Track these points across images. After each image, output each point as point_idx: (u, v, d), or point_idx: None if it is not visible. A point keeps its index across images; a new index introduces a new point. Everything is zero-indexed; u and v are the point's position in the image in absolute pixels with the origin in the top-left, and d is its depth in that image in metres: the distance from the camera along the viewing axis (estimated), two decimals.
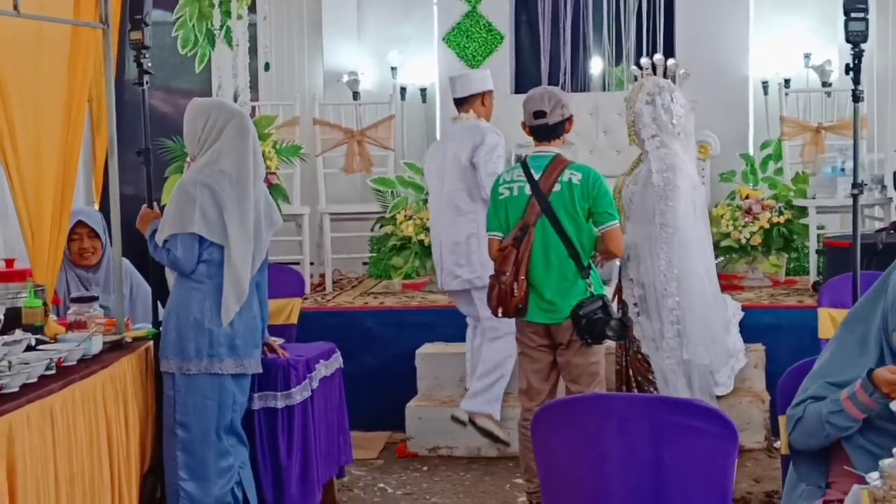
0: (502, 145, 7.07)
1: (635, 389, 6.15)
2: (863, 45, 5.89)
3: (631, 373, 6.17)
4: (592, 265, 5.76)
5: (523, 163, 5.84)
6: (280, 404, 5.82)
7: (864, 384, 3.50)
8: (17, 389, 4.62)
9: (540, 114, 5.82)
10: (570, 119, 5.93)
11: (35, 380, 4.75)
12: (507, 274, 5.71)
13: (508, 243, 5.74)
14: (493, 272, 5.87)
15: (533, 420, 3.90)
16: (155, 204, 5.90)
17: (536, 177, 5.73)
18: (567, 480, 3.65)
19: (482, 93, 6.96)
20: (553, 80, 10.22)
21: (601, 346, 5.80)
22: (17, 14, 4.96)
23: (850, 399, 3.54)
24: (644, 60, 7.09)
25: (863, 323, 3.69)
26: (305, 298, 7.70)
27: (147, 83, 6.20)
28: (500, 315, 5.88)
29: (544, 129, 5.84)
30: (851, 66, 5.92)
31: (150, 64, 6.22)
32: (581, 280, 5.69)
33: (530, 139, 6.01)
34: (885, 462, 3.08)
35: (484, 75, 7.26)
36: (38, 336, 5.14)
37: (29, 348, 4.92)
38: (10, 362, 4.67)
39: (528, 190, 5.74)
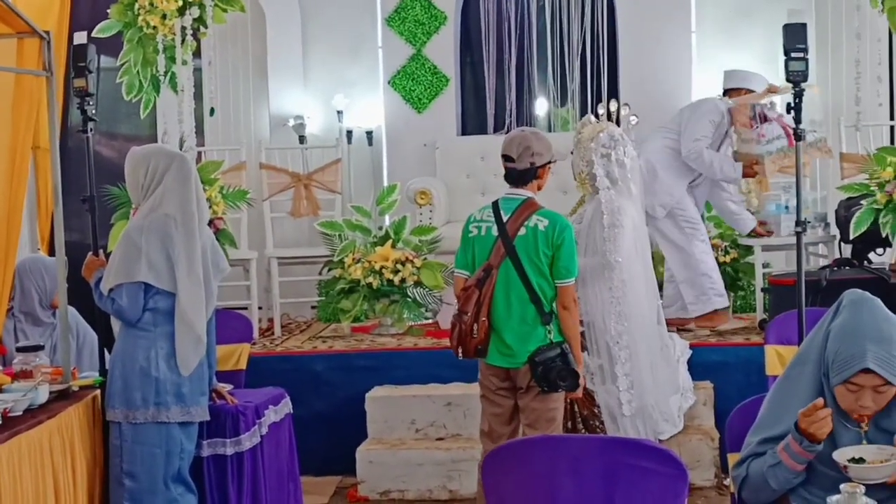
0: None
1: (580, 424, 6.16)
2: (803, 85, 5.96)
3: (576, 408, 6.16)
4: (554, 311, 5.74)
5: (494, 204, 5.84)
6: (229, 451, 5.81)
7: (793, 435, 3.55)
8: None
9: (508, 158, 5.82)
10: (543, 166, 5.84)
11: None
12: (469, 314, 5.71)
13: (472, 283, 5.75)
14: (456, 313, 5.87)
15: (484, 462, 3.91)
16: (101, 251, 5.88)
17: (505, 218, 5.74)
18: None
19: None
20: (499, 121, 10.29)
21: (560, 393, 5.78)
22: None
23: (786, 451, 3.58)
24: (601, 109, 7.14)
25: (804, 368, 3.73)
26: (254, 343, 7.66)
27: (91, 130, 6.19)
28: (460, 355, 5.86)
29: (513, 174, 5.83)
30: (793, 105, 5.98)
31: (94, 111, 6.21)
32: (541, 326, 5.69)
33: None
34: (833, 499, 3.11)
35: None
36: None
37: None
38: None
39: (495, 231, 5.75)
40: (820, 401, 3.55)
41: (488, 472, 3.79)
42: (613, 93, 9.58)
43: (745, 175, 7.98)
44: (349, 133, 9.97)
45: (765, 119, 7.72)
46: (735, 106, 7.91)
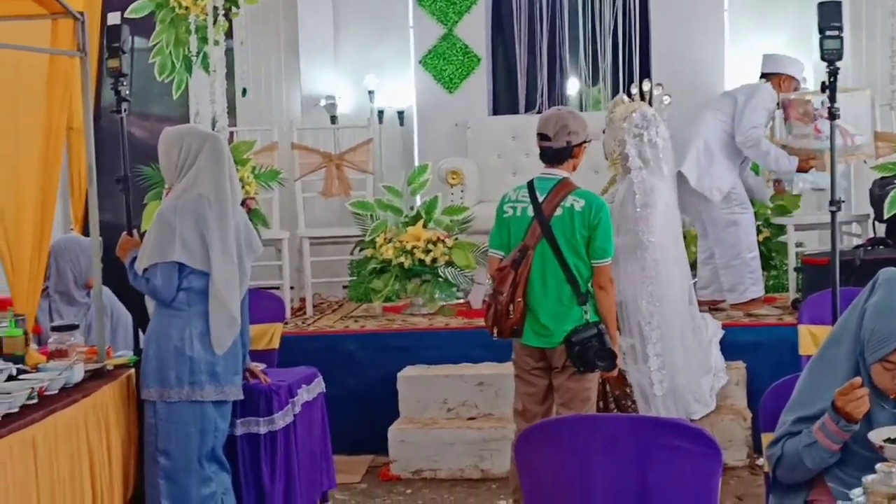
0: None
1: (612, 404, 6.15)
2: (838, 63, 5.93)
3: (608, 387, 6.16)
4: (590, 291, 5.75)
5: (529, 184, 5.83)
6: (263, 430, 5.83)
7: (830, 414, 3.54)
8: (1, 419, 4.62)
9: (544, 137, 5.80)
10: (579, 145, 5.82)
11: (17, 410, 4.74)
12: (504, 294, 5.71)
13: (507, 264, 5.74)
14: (490, 292, 5.88)
15: (518, 441, 3.91)
16: (135, 231, 5.91)
17: (541, 199, 5.73)
18: (552, 501, 3.65)
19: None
20: (530, 101, 10.27)
21: (595, 373, 5.79)
22: None
23: (822, 430, 3.57)
24: (634, 89, 7.11)
25: (839, 348, 3.72)
26: (286, 323, 7.70)
27: (125, 111, 6.21)
28: (495, 335, 5.87)
29: (548, 153, 5.81)
30: (827, 83, 5.95)
31: (128, 91, 6.23)
32: (577, 306, 5.69)
33: None
34: (868, 478, 3.10)
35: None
36: (18, 366, 5.13)
37: (10, 378, 4.92)
38: None
39: (530, 211, 5.74)
40: (858, 380, 3.54)
41: (522, 451, 3.79)
42: (646, 72, 9.54)
43: (799, 169, 7.93)
44: (380, 113, 9.98)
45: (820, 117, 7.62)
46: (790, 99, 7.86)
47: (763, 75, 8.17)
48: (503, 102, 10.35)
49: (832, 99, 5.94)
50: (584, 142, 5.90)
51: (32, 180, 5.59)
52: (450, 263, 8.63)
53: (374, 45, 10.02)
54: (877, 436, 3.44)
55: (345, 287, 9.19)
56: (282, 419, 5.91)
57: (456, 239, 8.66)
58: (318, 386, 6.44)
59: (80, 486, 5.14)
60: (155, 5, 8.84)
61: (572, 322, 5.70)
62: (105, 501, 5.35)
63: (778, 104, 7.93)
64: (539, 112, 9.25)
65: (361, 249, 8.89)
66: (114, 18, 6.99)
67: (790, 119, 7.85)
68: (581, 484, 3.55)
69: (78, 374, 5.32)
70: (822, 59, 5.93)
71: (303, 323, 8.47)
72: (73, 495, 5.06)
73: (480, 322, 6.34)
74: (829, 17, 5.88)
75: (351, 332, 8.13)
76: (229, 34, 9.05)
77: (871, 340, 3.57)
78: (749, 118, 7.86)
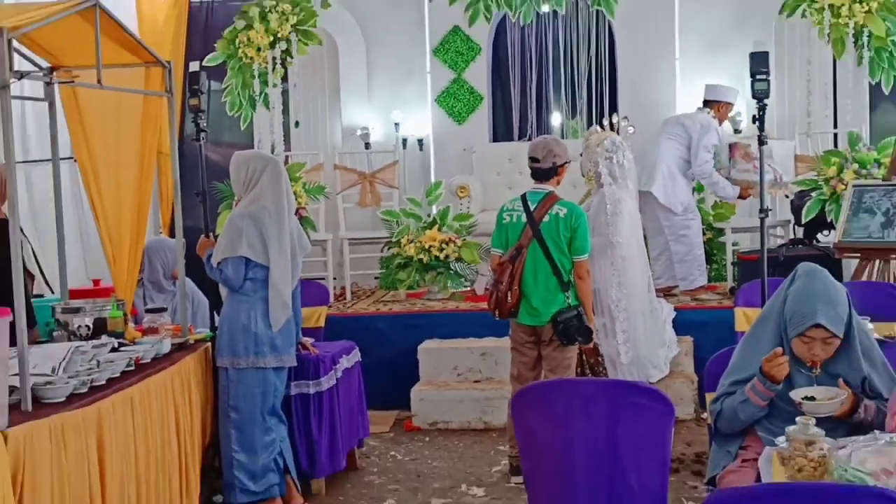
0: None
1: (588, 370, 6.16)
2: (765, 101, 5.92)
3: (585, 357, 6.16)
4: (571, 281, 5.75)
5: (523, 196, 5.86)
6: (312, 391, 5.87)
7: (758, 377, 3.56)
8: (104, 382, 4.64)
9: (534, 159, 5.86)
10: (562, 165, 5.87)
11: (118, 374, 4.78)
12: (504, 284, 5.76)
13: (506, 259, 5.79)
14: (492, 282, 5.92)
15: (514, 400, 3.92)
16: (211, 234, 5.92)
17: (532, 208, 5.77)
18: (541, 447, 3.66)
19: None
20: (522, 131, 10.25)
21: (575, 346, 5.81)
22: (100, 86, 4.99)
23: (752, 390, 3.59)
24: (605, 121, 7.14)
25: (766, 326, 3.73)
26: (330, 306, 7.69)
27: (203, 139, 6.22)
28: (496, 316, 5.90)
29: (538, 172, 5.87)
30: (757, 117, 5.94)
31: (205, 124, 6.23)
32: (561, 293, 5.72)
33: None
34: (790, 428, 3.11)
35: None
36: (119, 340, 5.16)
37: (113, 349, 4.94)
38: (98, 361, 4.71)
39: (524, 218, 5.77)
40: (779, 349, 3.56)
41: (517, 408, 3.80)
42: (614, 107, 9.53)
43: (740, 196, 7.99)
44: (404, 140, 9.97)
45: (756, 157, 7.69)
46: (736, 143, 7.92)
47: (706, 102, 8.16)
48: (501, 132, 10.34)
49: (761, 129, 5.92)
50: (566, 163, 5.93)
51: (130, 193, 5.61)
52: (459, 259, 8.63)
53: (399, 87, 10.01)
54: (796, 394, 3.45)
55: (376, 278, 9.18)
56: (327, 382, 5.94)
57: (464, 240, 8.65)
58: (355, 356, 6.47)
59: (168, 435, 5.16)
60: (226, 56, 8.88)
61: (557, 305, 5.72)
62: (188, 448, 5.37)
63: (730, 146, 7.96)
64: (529, 139, 9.24)
65: (389, 248, 8.89)
66: (194, 66, 6.97)
67: (734, 157, 7.87)
68: (564, 433, 3.57)
69: (166, 346, 5.35)
70: (753, 97, 5.92)
71: (343, 306, 8.47)
72: (162, 443, 5.08)
73: (484, 305, 6.33)
74: (759, 63, 5.88)
75: (381, 314, 8.13)
76: (285, 78, 9.10)
77: (792, 320, 3.59)
78: (702, 156, 7.90)
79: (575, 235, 5.74)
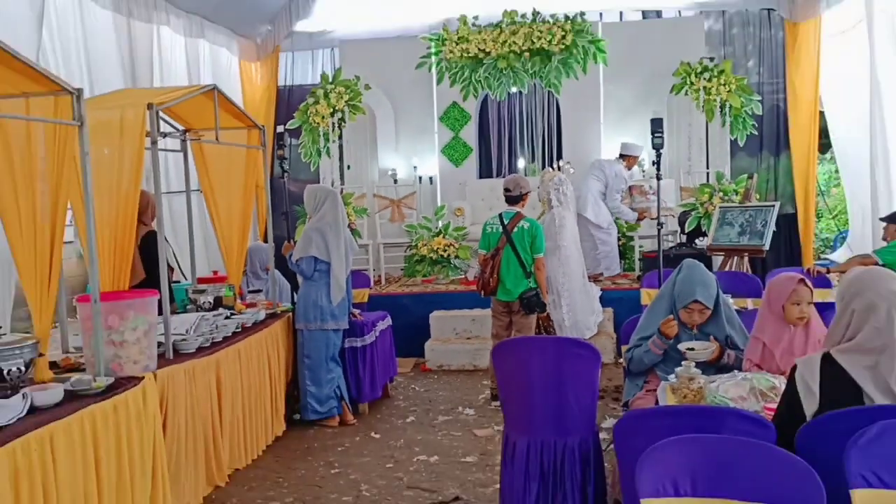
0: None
1: (543, 330, 6.16)
2: (661, 150, 5.93)
3: (541, 322, 6.16)
4: (532, 271, 5.76)
5: (500, 215, 5.87)
6: (358, 344, 5.86)
7: (657, 335, 3.56)
8: (221, 340, 4.64)
9: (507, 190, 5.88)
10: (526, 194, 5.91)
11: (230, 334, 4.78)
12: (487, 273, 5.78)
13: (489, 257, 5.81)
14: (479, 272, 5.91)
15: (494, 351, 3.90)
16: (291, 240, 5.93)
17: (506, 223, 5.78)
18: (511, 381, 3.66)
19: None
20: (498, 171, 10.23)
21: (534, 314, 5.81)
22: (217, 142, 5.00)
23: (653, 344, 3.60)
24: (554, 164, 7.14)
25: (662, 300, 3.74)
26: (371, 288, 7.70)
27: (285, 178, 6.23)
28: (482, 294, 5.90)
29: (510, 198, 5.89)
30: (655, 161, 5.95)
31: (287, 167, 6.25)
32: (525, 279, 5.73)
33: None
34: (678, 369, 3.11)
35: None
36: (231, 311, 5.17)
37: (226, 318, 4.96)
38: (217, 325, 4.71)
39: (500, 230, 5.79)
40: (671, 317, 3.56)
41: (496, 356, 3.79)
42: (560, 154, 9.52)
43: (639, 218, 8.09)
44: (420, 178, 9.97)
45: (647, 193, 7.95)
46: (636, 184, 8.03)
47: (621, 155, 8.16)
48: (484, 171, 10.32)
49: (658, 169, 5.93)
50: (528, 192, 5.94)
51: (238, 213, 5.62)
52: (457, 257, 8.64)
53: (416, 142, 9.98)
54: (682, 346, 3.45)
55: (401, 269, 9.18)
56: (369, 339, 5.94)
57: (460, 244, 8.67)
58: (388, 321, 6.46)
59: (263, 374, 5.17)
60: (301, 121, 8.88)
61: (523, 287, 5.73)
62: (276, 383, 5.39)
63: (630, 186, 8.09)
64: (503, 177, 9.24)
65: (410, 249, 8.90)
66: (280, 129, 7.00)
67: (633, 193, 7.98)
68: (527, 372, 3.56)
69: (262, 315, 5.36)
70: (653, 147, 5.93)
71: (380, 288, 8.45)
72: (259, 379, 5.09)
73: (473, 288, 6.33)
74: (657, 126, 5.88)
75: (405, 294, 8.12)
76: (340, 136, 9.09)
77: (679, 296, 3.59)
78: (613, 197, 7.96)
79: (534, 241, 5.74)
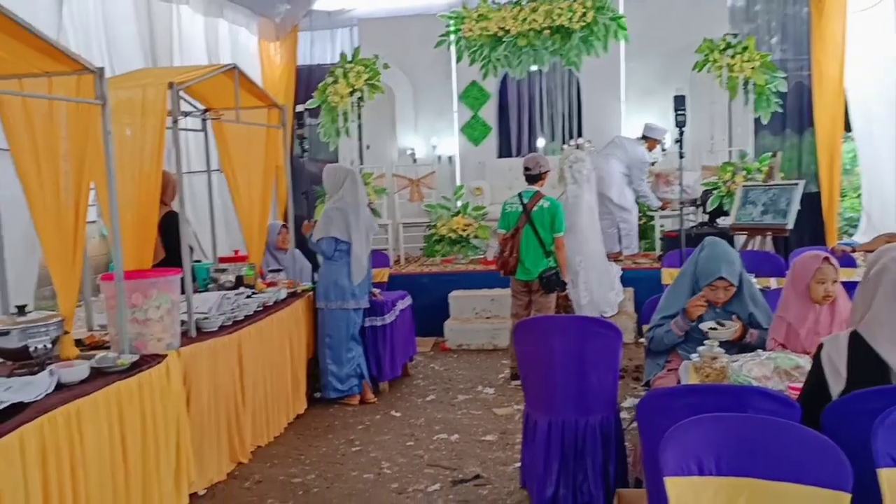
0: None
1: (562, 309, 6.16)
2: (684, 128, 5.87)
3: (559, 301, 6.14)
4: (552, 250, 5.73)
5: (519, 194, 5.83)
6: (378, 323, 5.88)
7: (681, 315, 3.53)
8: (242, 318, 4.67)
9: (527, 169, 5.83)
10: (545, 173, 5.86)
11: (251, 313, 4.81)
12: (507, 252, 5.75)
13: (508, 236, 5.77)
14: (498, 252, 5.88)
15: (514, 330, 3.90)
16: (311, 220, 5.94)
17: (525, 202, 5.74)
18: (532, 360, 3.66)
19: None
20: (519, 150, 10.20)
21: (554, 293, 5.79)
22: (238, 122, 5.00)
23: (675, 324, 3.57)
24: (574, 141, 7.07)
25: (684, 279, 3.71)
26: (390, 268, 7.71)
27: (305, 157, 6.23)
28: (502, 274, 5.88)
29: (530, 177, 5.84)
30: (678, 139, 5.89)
31: (307, 147, 6.24)
32: (544, 259, 5.70)
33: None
34: (701, 348, 3.09)
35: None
36: (252, 290, 5.20)
37: (248, 297, 4.98)
38: (238, 303, 4.73)
39: (520, 209, 5.74)
40: (700, 299, 3.54)
41: (517, 335, 3.79)
42: (580, 132, 9.46)
43: (661, 208, 8.08)
44: (439, 157, 9.95)
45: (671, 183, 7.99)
46: (660, 173, 8.03)
47: (643, 136, 8.09)
48: (503, 150, 10.29)
49: (681, 147, 5.88)
50: (547, 171, 5.90)
51: (258, 193, 5.63)
52: (476, 236, 8.63)
53: (435, 121, 9.97)
54: (704, 326, 3.43)
55: (421, 248, 9.19)
56: (389, 318, 5.96)
57: (479, 224, 8.65)
58: (408, 301, 6.48)
59: (284, 355, 5.21)
60: (321, 101, 8.86)
61: (542, 266, 5.70)
62: (297, 361, 5.42)
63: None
64: (522, 156, 9.20)
65: (430, 228, 8.90)
66: (300, 108, 6.99)
67: (659, 184, 7.98)
68: (548, 351, 3.57)
69: (283, 294, 5.39)
70: (676, 125, 5.87)
71: (399, 268, 8.47)
72: (280, 357, 5.13)
73: (492, 268, 6.33)
74: (680, 103, 5.83)
75: (424, 273, 8.13)
76: (359, 116, 9.06)
77: (703, 274, 3.56)
78: (639, 181, 7.91)
79: (554, 220, 5.71)
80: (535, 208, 5.72)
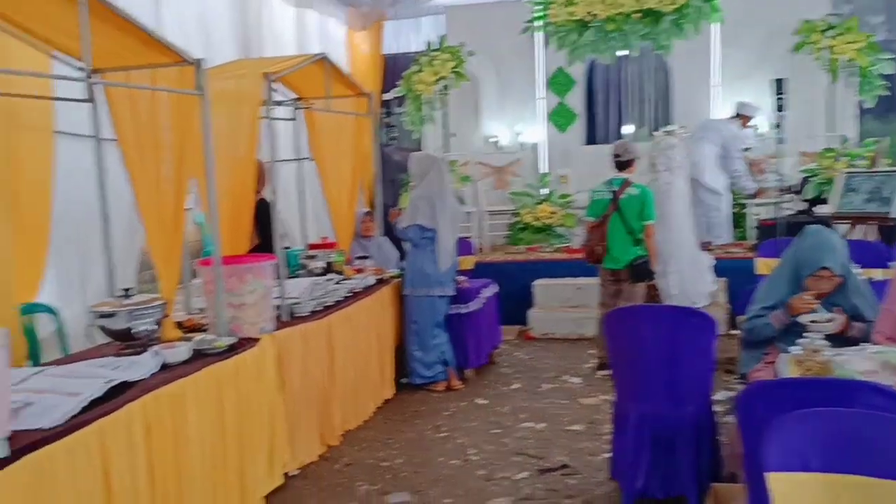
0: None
1: (651, 299, 6.03)
2: (784, 113, 5.66)
3: (649, 291, 6.03)
4: (641, 239, 5.63)
5: (609, 181, 5.75)
6: (463, 311, 5.91)
7: (782, 309, 3.42)
8: (332, 304, 4.76)
9: (616, 156, 5.74)
10: (633, 160, 5.76)
11: (341, 299, 4.90)
12: (594, 240, 5.69)
13: (597, 224, 5.70)
14: (586, 240, 5.80)
15: (604, 319, 3.84)
16: (397, 207, 6.00)
17: (615, 189, 5.66)
18: (623, 350, 3.60)
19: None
20: (606, 137, 10.05)
21: (643, 283, 5.69)
22: (328, 111, 5.09)
23: (775, 318, 3.46)
24: (666, 128, 6.92)
25: (783, 269, 3.59)
26: (475, 255, 7.72)
27: (393, 145, 6.29)
28: (590, 262, 5.82)
29: (619, 164, 5.75)
30: (777, 123, 5.69)
31: (394, 134, 6.30)
32: (633, 246, 5.60)
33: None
34: (802, 340, 3.00)
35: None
36: (340, 276, 5.29)
37: (337, 283, 5.08)
38: (328, 289, 4.83)
39: (609, 196, 5.66)
40: (810, 297, 3.40)
41: (608, 325, 3.71)
42: (671, 119, 9.25)
43: (755, 195, 7.85)
44: (523, 144, 9.89)
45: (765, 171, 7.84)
46: (754, 161, 7.84)
47: (736, 114, 7.87)
48: (591, 138, 10.16)
49: (780, 132, 5.68)
50: (636, 158, 5.79)
51: (347, 181, 5.73)
52: (561, 225, 8.57)
53: (520, 108, 9.91)
54: (805, 319, 3.31)
55: (505, 237, 9.17)
56: (474, 305, 5.98)
57: (565, 212, 8.58)
58: (493, 289, 6.49)
59: (372, 341, 5.29)
60: (406, 90, 8.93)
61: (631, 255, 5.62)
62: (384, 346, 5.50)
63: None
64: (608, 144, 9.05)
65: (514, 216, 8.87)
66: (386, 97, 7.06)
67: (754, 171, 7.74)
68: (639, 343, 3.51)
69: (371, 281, 5.47)
70: (776, 109, 5.67)
71: (483, 256, 8.48)
72: (367, 342, 5.21)
73: (578, 256, 6.26)
74: (780, 87, 5.65)
75: (509, 261, 8.12)
76: (445, 104, 9.09)
77: (807, 263, 3.43)
78: (734, 162, 7.70)
79: (644, 207, 5.61)
80: (623, 196, 5.63)
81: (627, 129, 10.21)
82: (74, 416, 2.61)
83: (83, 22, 2.98)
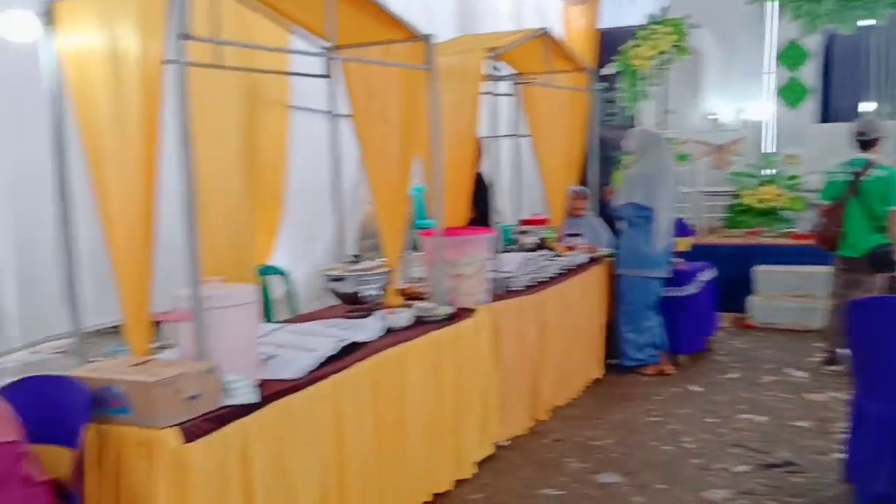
0: None
1: (890, 292, 5.48)
2: None
3: (890, 285, 5.47)
4: (883, 226, 5.10)
5: (849, 161, 5.28)
6: (680, 294, 5.69)
7: None
8: (545, 279, 4.78)
9: (860, 133, 5.26)
10: (878, 139, 5.25)
11: (554, 275, 4.90)
12: (831, 225, 5.24)
13: (831, 207, 5.25)
14: (818, 223, 5.38)
15: (850, 308, 3.47)
16: (611, 185, 5.89)
17: (856, 170, 5.19)
18: (873, 345, 3.25)
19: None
20: (842, 115, 9.24)
21: (882, 274, 5.18)
22: (549, 86, 5.04)
23: None
24: None
25: None
26: (692, 237, 7.40)
27: (610, 121, 6.18)
28: (824, 249, 5.37)
29: (862, 143, 5.26)
30: None
31: (615, 110, 6.20)
32: (872, 234, 5.11)
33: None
34: None
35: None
36: (552, 253, 5.30)
37: (549, 259, 5.09)
38: (540, 265, 4.85)
39: (848, 177, 5.21)
40: None
41: (853, 315, 3.33)
42: None
43: None
44: (746, 122, 9.33)
45: None
46: None
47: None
48: (827, 115, 9.40)
49: None
50: (883, 137, 5.28)
51: (563, 158, 5.66)
52: (787, 208, 8.03)
53: (745, 84, 9.34)
54: None
55: (721, 219, 8.71)
56: (690, 289, 5.76)
57: (793, 194, 8.02)
58: (712, 273, 6.21)
59: (582, 319, 5.25)
60: (621, 65, 8.70)
61: (871, 243, 5.12)
62: (594, 324, 5.45)
63: None
64: (845, 121, 8.30)
65: (734, 198, 8.43)
66: (606, 70, 6.94)
67: None
68: (883, 337, 3.18)
69: (583, 259, 5.43)
70: None
71: (701, 238, 8.08)
72: (580, 322, 5.18)
73: (805, 242, 5.82)
74: None
75: (728, 244, 7.68)
76: (663, 79, 8.76)
77: None
78: None
79: (890, 191, 5.08)
80: (866, 177, 5.14)
81: (867, 106, 9.32)
82: (313, 371, 2.81)
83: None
